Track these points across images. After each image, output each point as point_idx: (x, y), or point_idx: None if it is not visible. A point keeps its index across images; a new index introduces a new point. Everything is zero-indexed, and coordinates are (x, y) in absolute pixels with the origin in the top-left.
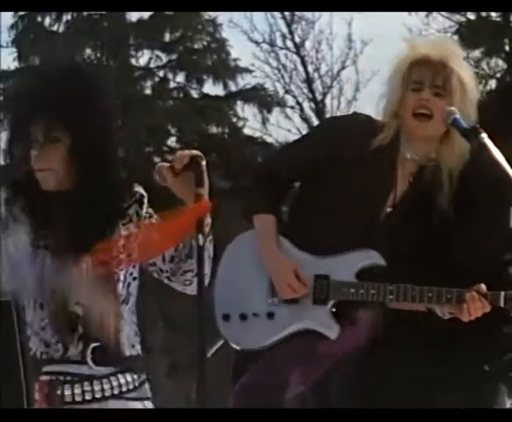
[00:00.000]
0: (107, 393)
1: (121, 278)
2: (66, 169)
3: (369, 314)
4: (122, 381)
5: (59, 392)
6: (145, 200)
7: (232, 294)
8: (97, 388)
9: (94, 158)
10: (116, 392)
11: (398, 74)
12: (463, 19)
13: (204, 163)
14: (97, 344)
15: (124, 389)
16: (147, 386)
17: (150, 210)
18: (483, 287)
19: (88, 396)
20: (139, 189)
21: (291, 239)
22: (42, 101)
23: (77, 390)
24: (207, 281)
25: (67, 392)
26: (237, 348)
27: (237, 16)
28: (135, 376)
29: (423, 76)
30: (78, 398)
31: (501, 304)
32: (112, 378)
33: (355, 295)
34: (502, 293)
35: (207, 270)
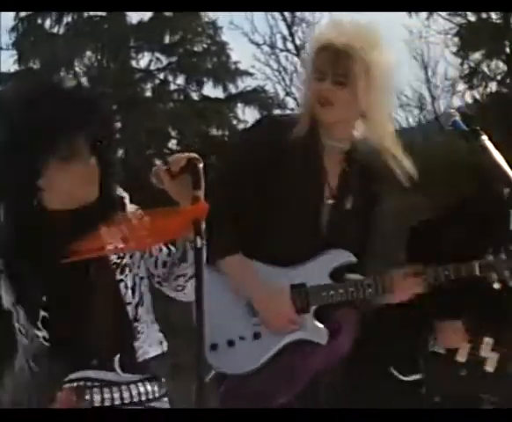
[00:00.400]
0: (135, 399)
1: (129, 284)
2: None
3: (350, 320)
4: (149, 388)
5: (88, 397)
6: (127, 201)
7: (215, 322)
8: (125, 394)
9: (109, 174)
10: (143, 399)
11: (307, 61)
12: (463, 21)
13: (201, 165)
14: (123, 353)
15: (150, 396)
16: (166, 399)
17: (134, 207)
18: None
19: (117, 402)
20: (123, 193)
21: (259, 258)
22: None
23: (107, 395)
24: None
25: (96, 397)
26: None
27: (238, 17)
28: (158, 386)
29: (325, 63)
30: (108, 403)
31: (477, 273)
32: (139, 384)
33: (336, 297)
34: (477, 262)
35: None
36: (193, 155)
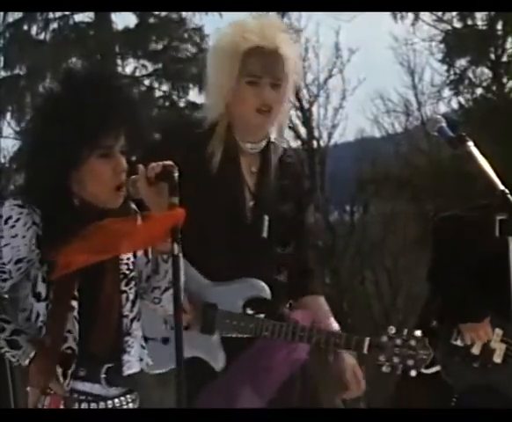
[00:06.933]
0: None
1: (131, 297)
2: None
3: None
4: (130, 401)
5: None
6: (139, 217)
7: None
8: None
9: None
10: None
11: (228, 64)
12: (448, 28)
13: (177, 172)
14: (110, 364)
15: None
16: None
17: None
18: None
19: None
20: (133, 206)
21: (197, 266)
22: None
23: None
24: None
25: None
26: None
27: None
28: (134, 396)
29: (259, 67)
30: None
31: (365, 351)
32: (122, 398)
33: (237, 328)
34: (368, 339)
35: (182, 281)
36: (169, 162)
